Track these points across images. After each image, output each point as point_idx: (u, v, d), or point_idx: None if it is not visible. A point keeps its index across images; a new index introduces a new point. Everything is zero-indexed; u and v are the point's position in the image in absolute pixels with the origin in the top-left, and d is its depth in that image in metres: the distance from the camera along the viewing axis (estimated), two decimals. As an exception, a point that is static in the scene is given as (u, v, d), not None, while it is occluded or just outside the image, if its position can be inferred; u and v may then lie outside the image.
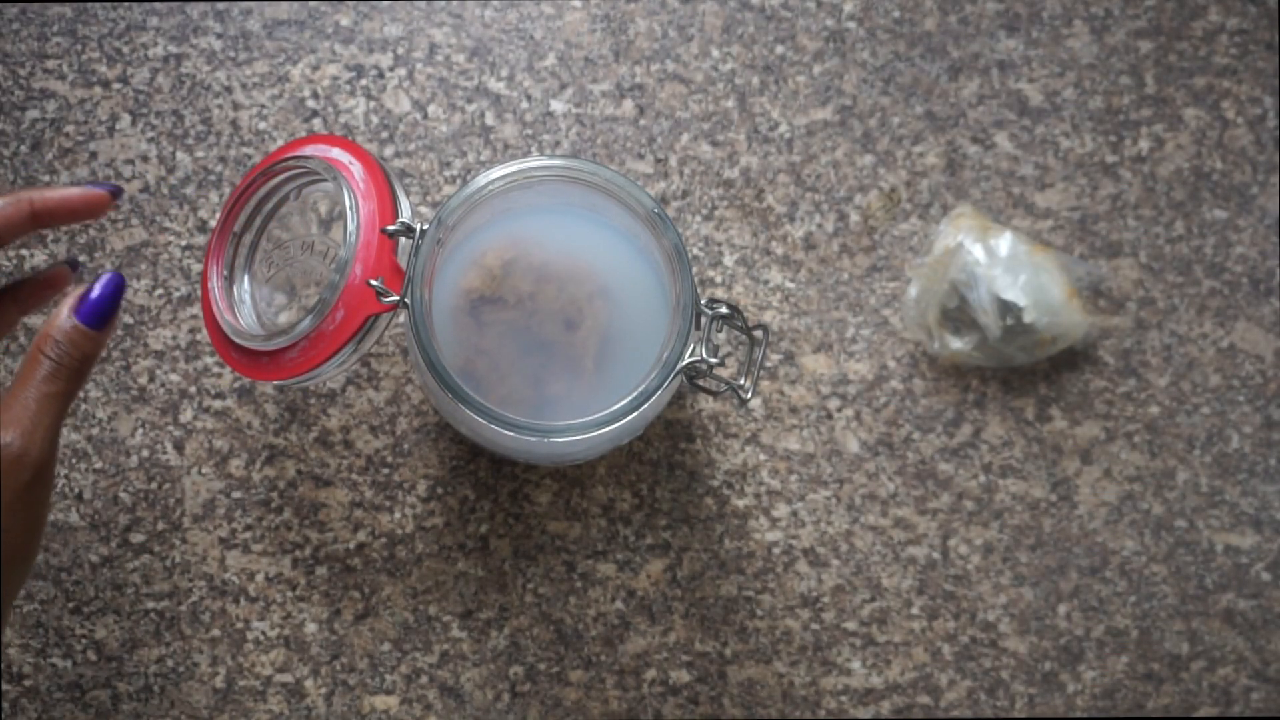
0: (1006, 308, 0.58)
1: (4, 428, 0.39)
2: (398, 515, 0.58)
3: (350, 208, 0.46)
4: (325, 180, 0.48)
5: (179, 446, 0.58)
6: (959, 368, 0.60)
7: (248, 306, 0.51)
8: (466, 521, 0.59)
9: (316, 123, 0.60)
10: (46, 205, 0.44)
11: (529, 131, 0.60)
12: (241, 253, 0.51)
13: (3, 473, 0.39)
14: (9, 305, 0.46)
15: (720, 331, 0.47)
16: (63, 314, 0.41)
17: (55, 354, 0.41)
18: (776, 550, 0.59)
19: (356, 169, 0.48)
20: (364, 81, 0.60)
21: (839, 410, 0.60)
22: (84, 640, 0.58)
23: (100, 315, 0.42)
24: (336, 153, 0.49)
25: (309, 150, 0.49)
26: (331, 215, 0.51)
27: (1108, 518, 0.60)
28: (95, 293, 0.42)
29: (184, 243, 0.59)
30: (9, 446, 0.39)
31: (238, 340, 0.48)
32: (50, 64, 0.60)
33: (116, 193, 0.46)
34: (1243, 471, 0.60)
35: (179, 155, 0.60)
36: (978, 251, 0.58)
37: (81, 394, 0.58)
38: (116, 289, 0.43)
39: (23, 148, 0.59)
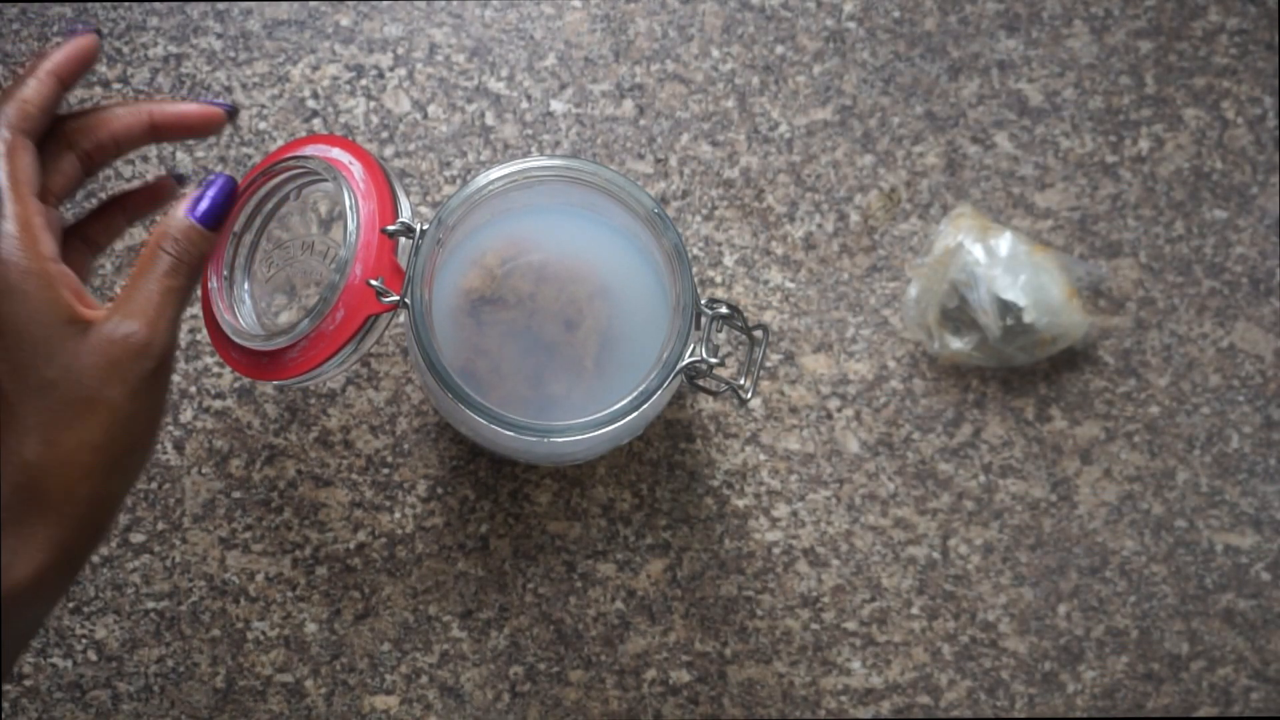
0: (1006, 308, 0.58)
1: (128, 318, 0.40)
2: (398, 515, 0.58)
3: (350, 208, 0.46)
4: (325, 180, 0.48)
5: (179, 446, 0.58)
6: (959, 368, 0.60)
7: (248, 306, 0.51)
8: (466, 521, 0.59)
9: (316, 123, 0.60)
10: (166, 118, 0.45)
11: (529, 131, 0.60)
12: (241, 253, 0.51)
13: (129, 361, 0.40)
14: (117, 213, 0.48)
15: (720, 331, 0.47)
16: (180, 213, 0.43)
17: (175, 250, 0.42)
18: (776, 550, 0.59)
19: (356, 169, 0.48)
20: (364, 81, 0.60)
21: (839, 410, 0.60)
22: (84, 640, 0.58)
23: (214, 215, 0.43)
24: (336, 153, 0.49)
25: (309, 150, 0.49)
26: (331, 215, 0.51)
27: (1108, 518, 0.60)
28: (209, 194, 0.44)
29: (184, 243, 0.59)
30: (134, 334, 0.40)
31: (238, 340, 0.48)
32: (50, 64, 0.60)
33: (233, 112, 0.47)
34: (1243, 471, 0.60)
35: (179, 155, 0.60)
36: (978, 251, 0.58)
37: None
38: (229, 191, 0.44)
39: (23, 148, 0.59)
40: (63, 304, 0.39)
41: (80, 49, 0.43)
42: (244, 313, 0.50)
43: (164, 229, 0.42)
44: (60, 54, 0.43)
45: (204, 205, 0.43)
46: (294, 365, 0.47)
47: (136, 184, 0.48)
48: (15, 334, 0.39)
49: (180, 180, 0.50)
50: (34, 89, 0.42)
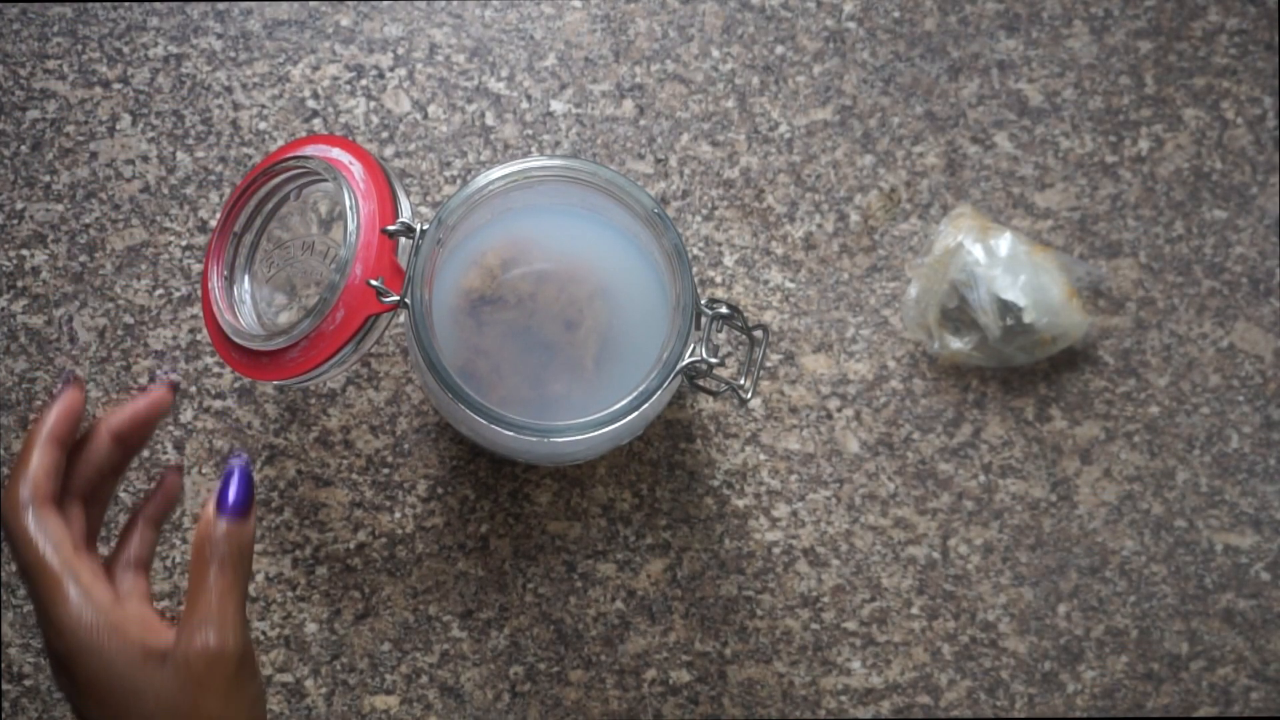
0: (1006, 308, 0.58)
1: (197, 630, 0.42)
2: (398, 515, 0.58)
3: (350, 208, 0.46)
4: (325, 180, 0.48)
5: (179, 446, 0.58)
6: (959, 368, 0.60)
7: (248, 306, 0.51)
8: (466, 521, 0.59)
9: (317, 123, 0.60)
10: (123, 426, 0.47)
11: (529, 131, 0.60)
12: (242, 253, 0.51)
13: (211, 671, 0.42)
14: (145, 528, 0.49)
15: (720, 331, 0.47)
16: (210, 515, 0.44)
17: (219, 555, 0.43)
18: (776, 550, 0.59)
19: (357, 169, 0.48)
20: (364, 81, 0.60)
21: (839, 410, 0.60)
22: (84, 640, 0.58)
23: (243, 505, 0.44)
24: (337, 153, 0.49)
25: (309, 150, 0.49)
26: (331, 215, 0.51)
27: (1108, 518, 0.60)
28: (232, 487, 0.44)
29: (184, 243, 0.59)
30: (208, 646, 0.42)
31: (238, 340, 0.48)
32: (51, 64, 0.60)
33: (175, 385, 0.49)
34: (1242, 471, 0.60)
35: (179, 155, 0.60)
36: (978, 251, 0.58)
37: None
38: (249, 482, 0.45)
39: (23, 148, 0.59)
40: (135, 644, 0.42)
41: (68, 407, 0.46)
42: (244, 313, 0.50)
43: (204, 535, 0.44)
44: (51, 418, 0.45)
45: (231, 500, 0.44)
46: (294, 365, 0.47)
47: (149, 491, 0.50)
48: (104, 686, 0.42)
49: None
50: (37, 461, 0.44)
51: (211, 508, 0.44)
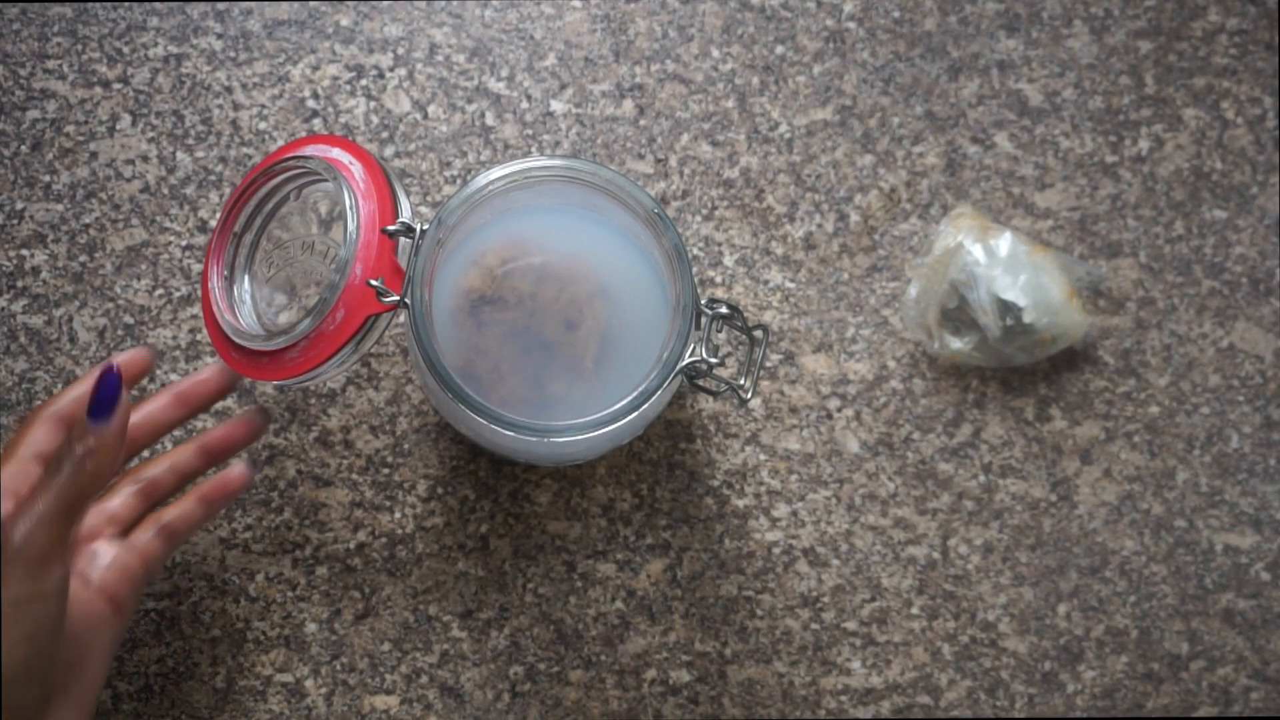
0: (1006, 308, 0.58)
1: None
2: (398, 515, 0.58)
3: (350, 208, 0.46)
4: (325, 180, 0.48)
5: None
6: (959, 368, 0.60)
7: (248, 306, 0.51)
8: (466, 521, 0.59)
9: (317, 123, 0.60)
10: (217, 445, 0.52)
11: (529, 131, 0.60)
12: (242, 253, 0.51)
13: None
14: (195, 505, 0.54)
15: (720, 331, 0.47)
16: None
17: (69, 455, 0.45)
18: (776, 550, 0.59)
19: (357, 169, 0.48)
20: (364, 81, 0.60)
21: (839, 410, 0.60)
22: (84, 640, 0.58)
23: (98, 409, 0.45)
24: (337, 153, 0.49)
25: (309, 150, 0.49)
26: (331, 215, 0.51)
27: (1108, 518, 0.60)
28: (94, 391, 0.45)
29: (184, 243, 0.59)
30: None
31: (238, 340, 0.48)
32: (50, 64, 0.60)
33: (266, 414, 0.54)
34: (1242, 471, 0.60)
35: (179, 155, 0.60)
36: (978, 251, 0.58)
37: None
38: (110, 386, 0.45)
39: (23, 148, 0.59)
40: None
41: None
42: (244, 313, 0.50)
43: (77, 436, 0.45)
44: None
45: (92, 400, 0.45)
46: (294, 365, 0.47)
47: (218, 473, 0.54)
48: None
49: (254, 467, 0.55)
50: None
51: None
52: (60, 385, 0.59)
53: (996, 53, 0.62)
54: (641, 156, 0.61)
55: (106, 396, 0.43)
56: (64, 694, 0.45)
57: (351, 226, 0.46)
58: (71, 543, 0.43)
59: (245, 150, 0.60)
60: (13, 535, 0.41)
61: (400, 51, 0.60)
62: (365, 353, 0.49)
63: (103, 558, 0.48)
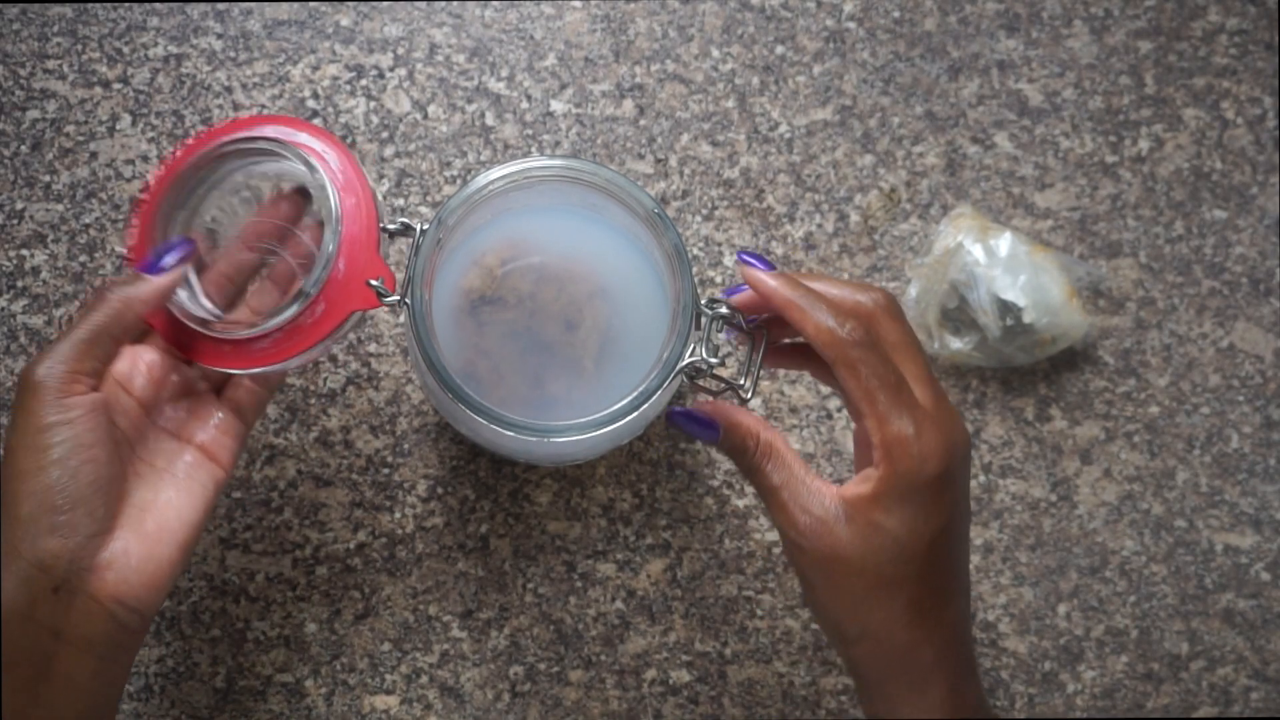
0: (1006, 308, 0.58)
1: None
2: (398, 515, 0.58)
3: (333, 204, 0.46)
4: (286, 160, 0.47)
5: (179, 446, 0.58)
6: (959, 368, 0.60)
7: (196, 293, 0.49)
8: (466, 521, 0.59)
9: (317, 123, 0.60)
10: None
11: (529, 131, 0.60)
12: (178, 229, 0.49)
13: (15, 390, 0.45)
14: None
15: (720, 331, 0.47)
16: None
17: (106, 291, 0.46)
18: (776, 550, 0.59)
19: (331, 157, 0.47)
20: (364, 81, 0.60)
21: (839, 410, 0.60)
22: (84, 640, 0.58)
23: (153, 265, 0.47)
24: (304, 137, 0.48)
25: (269, 130, 0.48)
26: (267, 197, 0.50)
27: (1108, 518, 0.60)
28: (162, 255, 0.47)
29: (184, 243, 0.59)
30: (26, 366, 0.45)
31: (205, 330, 0.47)
32: (50, 64, 0.60)
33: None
34: (1243, 471, 0.60)
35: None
36: (978, 251, 0.58)
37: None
38: (180, 254, 0.47)
39: (23, 148, 0.59)
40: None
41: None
42: (196, 300, 0.49)
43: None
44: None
45: (152, 258, 0.47)
46: (263, 355, 0.47)
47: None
48: None
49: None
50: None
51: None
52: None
53: (996, 53, 0.62)
54: (641, 156, 0.61)
55: (165, 251, 0.46)
56: (135, 529, 0.45)
57: (334, 216, 0.46)
58: (101, 372, 0.45)
59: (245, 150, 0.60)
60: (34, 371, 0.44)
61: (400, 51, 0.60)
62: (329, 350, 0.49)
63: (193, 412, 0.49)
